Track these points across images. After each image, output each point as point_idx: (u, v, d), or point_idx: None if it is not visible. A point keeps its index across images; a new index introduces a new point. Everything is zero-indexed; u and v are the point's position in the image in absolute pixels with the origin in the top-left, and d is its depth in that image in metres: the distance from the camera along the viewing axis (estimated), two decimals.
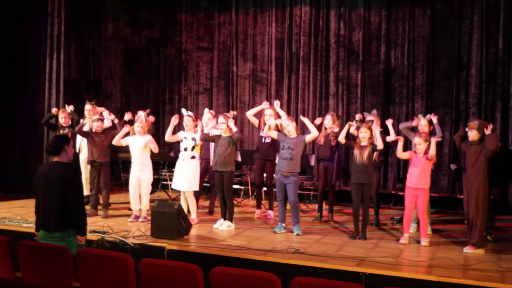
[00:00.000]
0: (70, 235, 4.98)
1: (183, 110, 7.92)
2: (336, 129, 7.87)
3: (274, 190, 7.63)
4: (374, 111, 8.02)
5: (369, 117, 7.79)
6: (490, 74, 9.55)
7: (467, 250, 6.26)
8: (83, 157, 8.40)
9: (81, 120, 8.59)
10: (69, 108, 8.50)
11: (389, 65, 10.25)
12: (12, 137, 10.61)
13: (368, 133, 6.90)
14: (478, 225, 6.27)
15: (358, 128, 7.10)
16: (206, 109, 8.49)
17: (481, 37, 9.57)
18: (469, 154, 6.39)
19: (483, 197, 6.28)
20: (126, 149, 8.12)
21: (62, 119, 8.39)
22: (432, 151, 6.58)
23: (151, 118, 8.65)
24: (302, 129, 10.39)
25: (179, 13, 12.03)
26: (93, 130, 7.97)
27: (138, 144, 7.70)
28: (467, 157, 6.42)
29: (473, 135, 6.39)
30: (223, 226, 7.27)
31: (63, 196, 4.92)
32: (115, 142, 7.76)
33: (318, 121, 7.93)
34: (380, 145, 6.84)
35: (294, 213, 7.15)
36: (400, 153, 6.88)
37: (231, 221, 7.36)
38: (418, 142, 6.71)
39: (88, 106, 8.57)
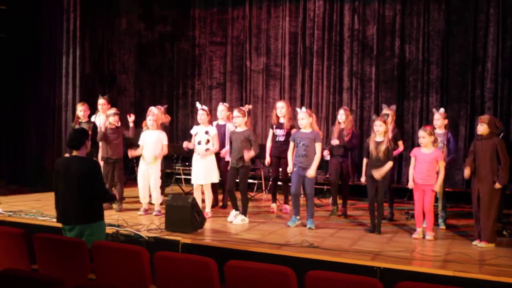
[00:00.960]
0: (89, 229, 5.04)
1: (198, 104, 7.94)
2: (349, 126, 7.86)
3: (290, 184, 7.62)
4: (393, 106, 7.98)
5: (385, 111, 7.75)
6: (506, 69, 9.44)
7: (481, 244, 6.22)
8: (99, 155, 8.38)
9: (93, 117, 8.61)
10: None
11: (403, 60, 10.17)
12: (27, 131, 10.69)
13: (384, 127, 6.87)
14: (491, 220, 6.21)
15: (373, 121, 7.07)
16: (221, 103, 8.54)
17: (497, 31, 9.46)
18: (481, 149, 6.29)
19: (495, 193, 6.21)
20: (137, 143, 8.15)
21: (81, 112, 8.40)
22: (440, 179, 6.56)
23: (167, 117, 8.72)
24: (316, 123, 10.40)
25: (192, 8, 12.02)
26: (108, 126, 7.99)
27: (151, 139, 7.73)
28: (478, 152, 6.32)
29: (482, 128, 6.28)
30: (237, 220, 7.28)
31: (83, 190, 5.00)
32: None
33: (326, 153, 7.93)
34: (377, 175, 6.84)
35: (309, 206, 7.14)
36: (411, 169, 6.76)
37: (245, 215, 7.37)
38: (422, 135, 6.65)
39: (101, 101, 8.61)
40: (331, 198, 8.34)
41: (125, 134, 8.07)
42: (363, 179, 7.01)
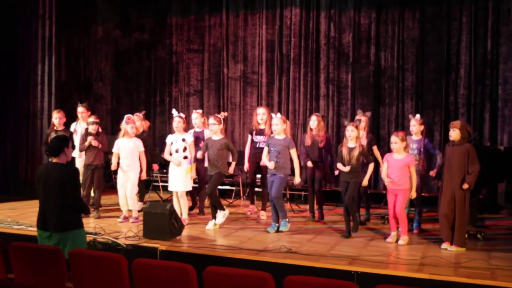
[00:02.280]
0: (68, 237, 5.02)
1: (174, 111, 7.92)
2: (322, 132, 7.92)
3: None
4: (368, 113, 8.08)
5: (358, 116, 7.85)
6: (479, 75, 9.65)
7: (451, 248, 6.28)
8: (80, 162, 8.31)
9: (74, 124, 8.55)
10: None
11: (379, 67, 10.32)
12: (1, 140, 10.53)
13: (356, 132, 6.93)
14: (464, 225, 6.30)
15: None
16: (194, 111, 8.57)
17: (470, 39, 9.67)
18: (452, 155, 6.35)
19: (468, 198, 6.30)
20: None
21: (57, 119, 8.33)
22: (413, 185, 6.67)
23: (146, 123, 8.72)
24: (293, 130, 10.46)
25: (169, 16, 12.03)
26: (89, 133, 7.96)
27: (128, 146, 7.71)
28: (451, 158, 6.36)
29: (454, 134, 6.35)
30: (218, 219, 7.31)
31: (63, 197, 5.01)
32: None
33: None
34: (365, 182, 7.08)
35: (278, 208, 7.16)
36: (384, 172, 6.81)
37: (223, 210, 7.38)
38: (394, 141, 6.71)
39: (80, 109, 8.53)
40: (308, 204, 8.38)
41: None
42: (338, 165, 6.98)
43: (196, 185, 8.36)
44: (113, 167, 7.79)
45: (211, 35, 11.68)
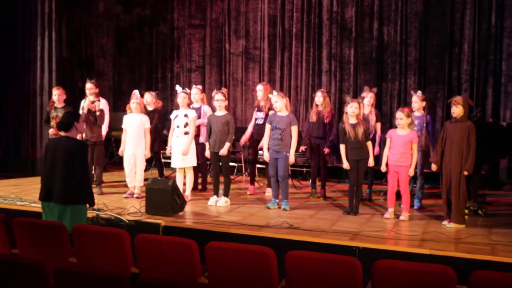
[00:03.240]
0: (71, 210, 5.08)
1: (178, 87, 7.89)
2: (328, 108, 7.89)
3: None
4: (374, 89, 8.06)
5: (365, 93, 7.84)
6: (482, 50, 9.56)
7: (450, 225, 6.29)
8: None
9: (82, 102, 8.47)
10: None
11: (381, 42, 10.23)
12: (2, 117, 10.51)
13: (358, 110, 6.89)
14: (460, 202, 6.27)
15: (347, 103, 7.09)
16: (194, 86, 8.53)
17: (474, 13, 9.56)
18: (453, 132, 6.30)
19: (464, 176, 6.27)
20: (119, 128, 8.11)
21: (56, 96, 8.28)
22: (414, 162, 6.66)
23: (159, 102, 8.71)
24: (295, 106, 10.43)
25: None
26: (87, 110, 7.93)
27: (134, 122, 7.71)
28: (450, 135, 6.33)
29: (458, 110, 6.28)
30: (220, 202, 7.32)
31: (69, 170, 5.07)
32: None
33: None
34: (371, 162, 7.07)
35: (283, 188, 7.19)
36: (386, 151, 6.81)
37: (227, 197, 7.41)
38: (400, 116, 6.67)
39: (89, 85, 8.42)
40: (310, 180, 8.40)
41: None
42: (345, 165, 6.93)
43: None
44: (121, 149, 7.79)
45: (212, 10, 11.59)
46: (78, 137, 8.02)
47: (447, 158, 6.37)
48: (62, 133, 5.22)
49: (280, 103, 7.17)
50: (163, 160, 9.08)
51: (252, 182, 8.51)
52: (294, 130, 7.18)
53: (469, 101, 6.47)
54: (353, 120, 6.89)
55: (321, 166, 8.05)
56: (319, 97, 7.92)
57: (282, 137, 7.11)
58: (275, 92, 7.38)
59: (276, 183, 7.31)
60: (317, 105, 7.94)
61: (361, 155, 6.90)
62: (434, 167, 6.60)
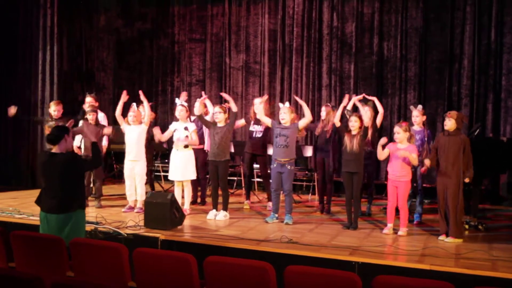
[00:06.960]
0: (68, 219, 5.05)
1: (177, 100, 7.92)
2: (331, 123, 7.87)
3: (270, 181, 7.62)
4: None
5: (365, 108, 7.83)
6: (482, 66, 9.58)
7: (448, 239, 6.25)
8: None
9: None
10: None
11: (381, 57, 10.27)
12: (2, 129, 10.51)
13: (358, 123, 6.90)
14: (456, 216, 6.23)
15: (349, 116, 7.09)
16: (198, 99, 8.52)
17: (474, 29, 9.60)
18: (446, 145, 6.29)
19: (460, 188, 6.24)
20: (118, 140, 8.10)
21: (55, 112, 8.26)
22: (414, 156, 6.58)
23: (152, 114, 8.69)
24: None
25: (171, 5, 12.01)
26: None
27: (133, 134, 7.70)
28: (443, 148, 6.32)
29: (450, 124, 6.30)
30: (219, 216, 7.29)
31: (61, 182, 5.05)
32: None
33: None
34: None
35: (287, 202, 7.17)
36: (380, 154, 6.77)
37: (226, 211, 7.38)
38: (397, 131, 6.67)
39: (88, 99, 8.45)
40: (317, 195, 8.30)
41: (104, 132, 7.96)
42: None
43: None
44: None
45: (213, 24, 11.64)
46: (76, 149, 8.11)
47: (442, 172, 6.35)
48: (51, 147, 5.18)
49: (288, 118, 7.17)
50: (162, 174, 9.06)
51: (247, 197, 8.48)
52: (302, 122, 7.21)
53: (464, 118, 6.48)
54: (354, 132, 6.90)
55: (327, 181, 7.99)
56: (323, 112, 7.96)
57: (288, 144, 7.09)
58: (287, 104, 7.37)
59: (278, 198, 7.28)
60: (322, 120, 7.95)
61: (355, 168, 6.86)
62: (427, 162, 6.53)
